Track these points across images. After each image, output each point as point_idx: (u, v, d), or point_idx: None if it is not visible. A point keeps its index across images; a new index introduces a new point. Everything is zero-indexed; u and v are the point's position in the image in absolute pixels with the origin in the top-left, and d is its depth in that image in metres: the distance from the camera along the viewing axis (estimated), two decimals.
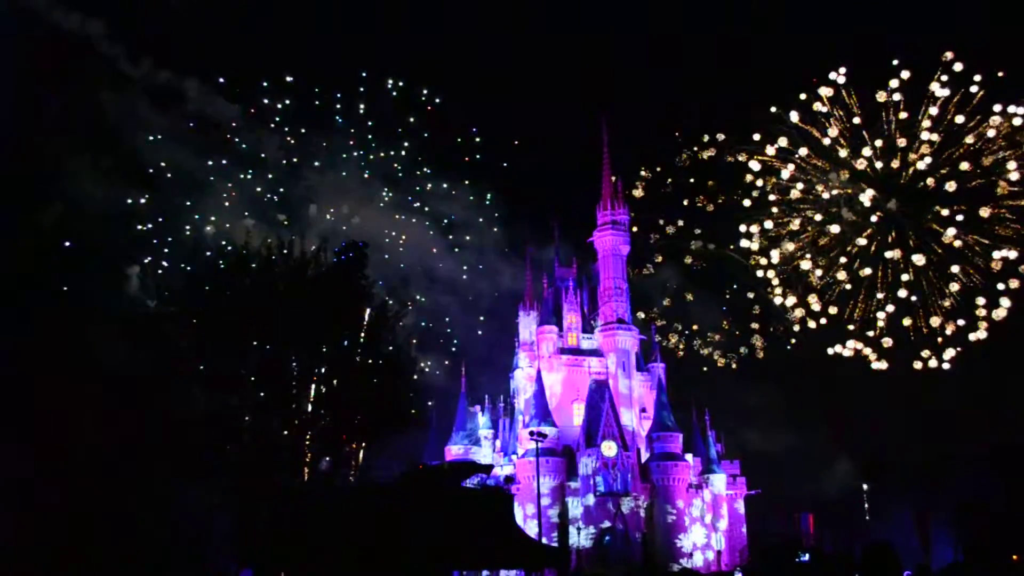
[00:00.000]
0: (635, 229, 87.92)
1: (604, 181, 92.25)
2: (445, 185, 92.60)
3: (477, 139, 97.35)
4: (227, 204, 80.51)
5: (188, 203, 76.73)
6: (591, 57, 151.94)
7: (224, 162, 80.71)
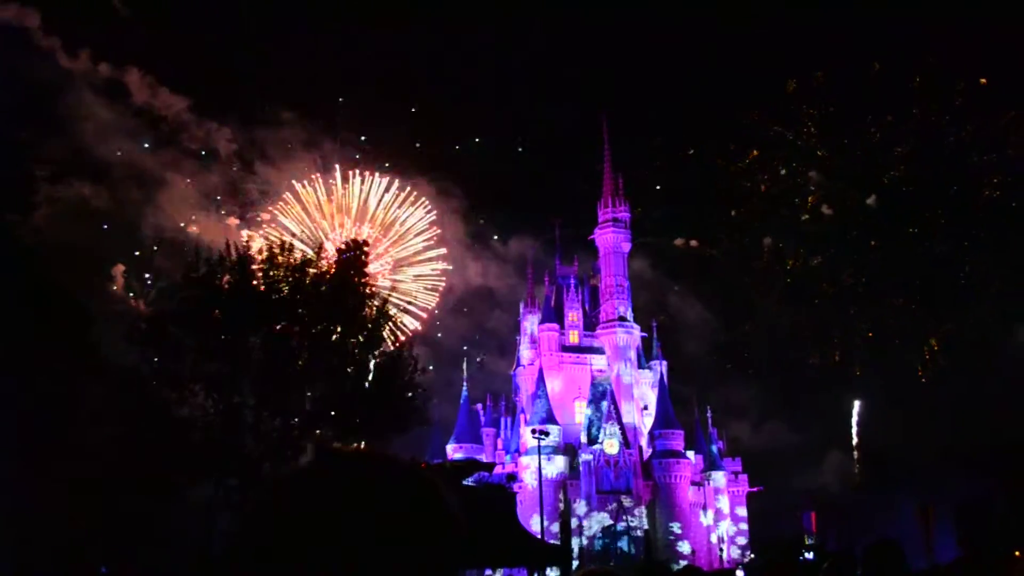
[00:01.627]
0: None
1: (605, 179, 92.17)
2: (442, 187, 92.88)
3: (476, 139, 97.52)
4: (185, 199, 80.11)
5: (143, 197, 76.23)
6: (592, 54, 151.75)
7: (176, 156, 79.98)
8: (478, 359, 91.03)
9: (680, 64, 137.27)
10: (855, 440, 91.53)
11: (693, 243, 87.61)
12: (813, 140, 79.20)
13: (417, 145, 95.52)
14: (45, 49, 68.91)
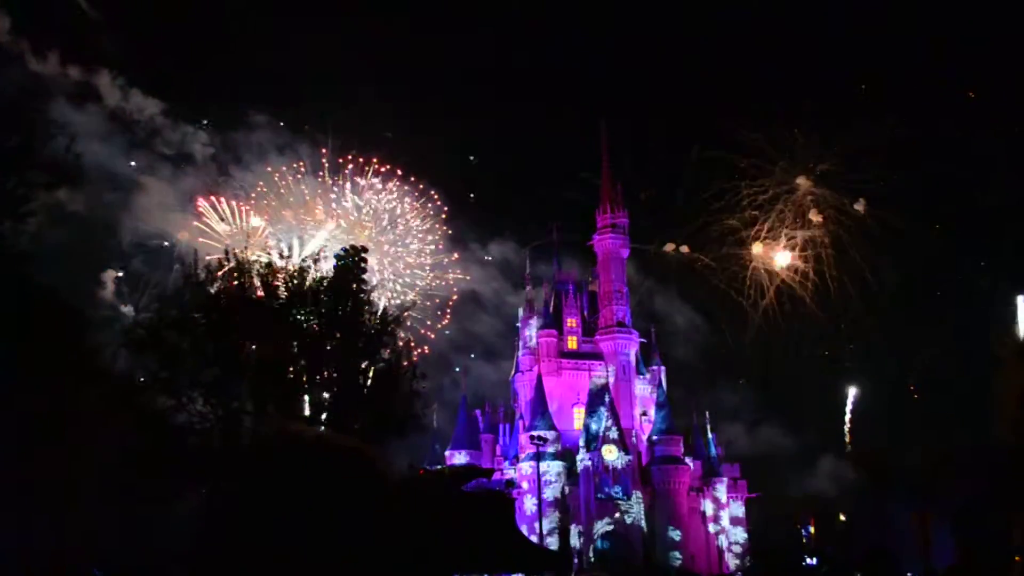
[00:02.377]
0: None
1: (604, 184, 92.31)
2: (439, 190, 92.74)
3: (472, 158, 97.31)
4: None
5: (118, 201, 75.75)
6: (591, 59, 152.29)
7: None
8: (457, 368, 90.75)
9: (674, 67, 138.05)
10: (848, 447, 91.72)
11: (684, 248, 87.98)
12: (800, 148, 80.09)
13: (396, 141, 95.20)
14: (14, 53, 68.60)
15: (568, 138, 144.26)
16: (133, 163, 79.56)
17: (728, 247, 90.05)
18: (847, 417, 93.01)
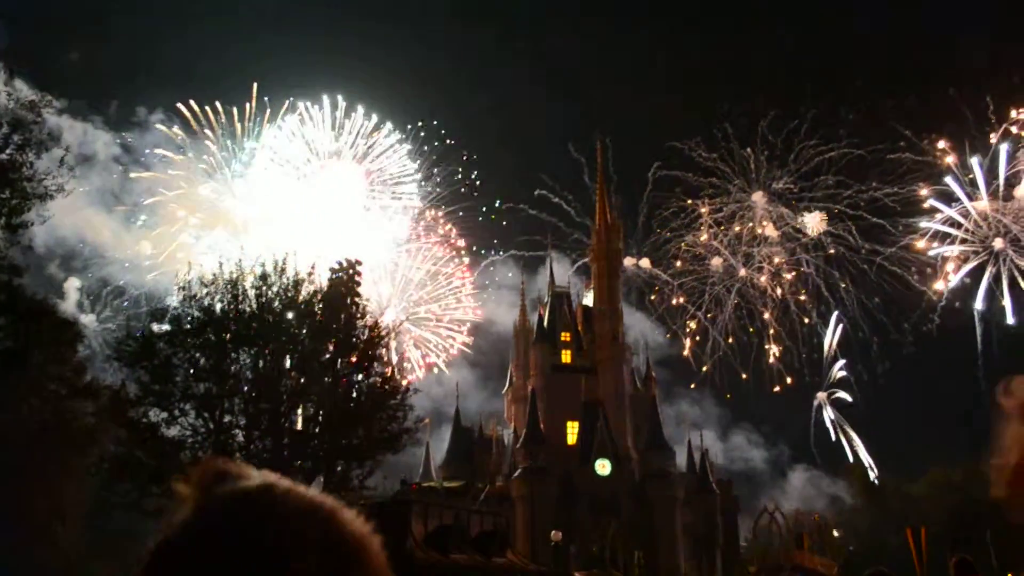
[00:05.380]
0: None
1: (599, 198, 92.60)
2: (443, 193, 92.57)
3: (472, 162, 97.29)
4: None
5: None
6: (586, 72, 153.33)
7: None
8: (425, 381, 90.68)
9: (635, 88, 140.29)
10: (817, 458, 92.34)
11: (645, 263, 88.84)
12: (749, 165, 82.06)
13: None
14: None
15: (547, 153, 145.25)
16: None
17: (688, 263, 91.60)
18: (811, 428, 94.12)
